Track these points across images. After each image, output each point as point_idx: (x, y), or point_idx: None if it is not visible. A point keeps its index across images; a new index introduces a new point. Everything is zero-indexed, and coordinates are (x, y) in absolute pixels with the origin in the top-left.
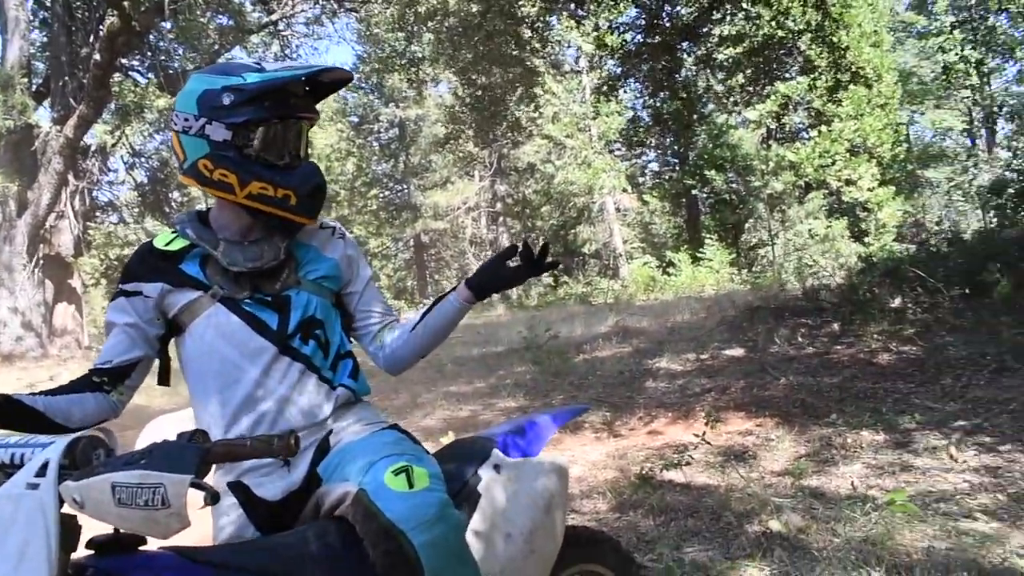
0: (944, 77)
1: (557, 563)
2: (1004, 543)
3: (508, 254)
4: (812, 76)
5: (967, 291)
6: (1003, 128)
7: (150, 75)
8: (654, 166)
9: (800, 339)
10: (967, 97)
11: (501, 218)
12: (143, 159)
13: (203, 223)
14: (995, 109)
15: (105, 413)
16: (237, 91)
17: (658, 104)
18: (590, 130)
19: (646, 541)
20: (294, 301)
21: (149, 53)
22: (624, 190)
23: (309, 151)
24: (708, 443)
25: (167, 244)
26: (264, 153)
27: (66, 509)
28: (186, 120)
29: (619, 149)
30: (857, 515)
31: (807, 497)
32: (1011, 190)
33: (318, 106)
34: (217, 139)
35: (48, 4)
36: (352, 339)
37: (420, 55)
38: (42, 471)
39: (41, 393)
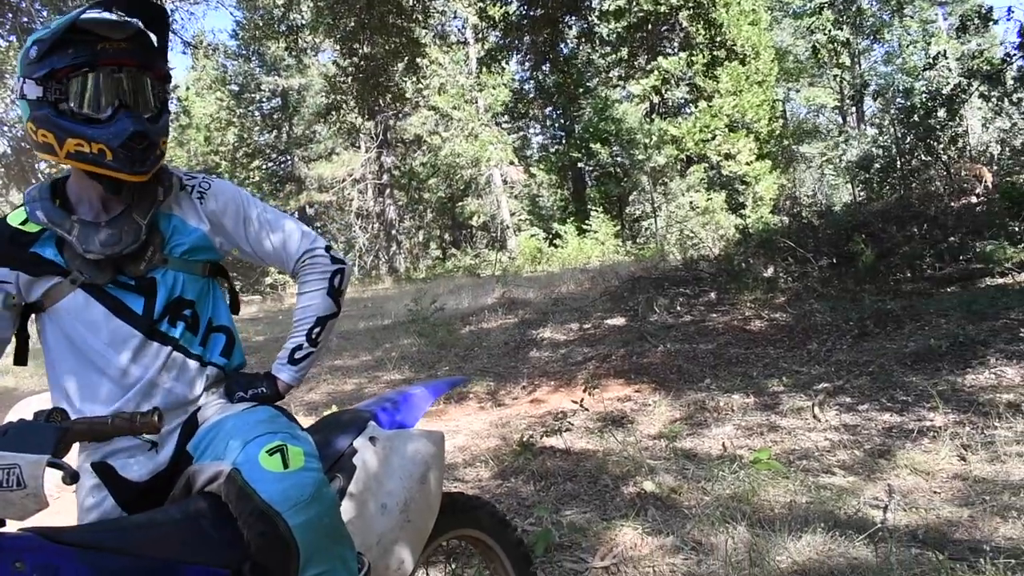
0: (814, 57)
1: (434, 529)
2: (859, 495)
3: None
4: (691, 52)
5: (834, 260)
6: (870, 106)
7: (12, 38)
8: (540, 139)
9: (679, 308)
10: (838, 76)
11: (388, 190)
12: (6, 127)
13: (56, 197)
14: (863, 88)
15: None
16: (40, 42)
17: (542, 77)
18: (477, 102)
19: (526, 506)
20: (160, 282)
21: (10, 15)
22: (511, 162)
23: (159, 108)
24: (587, 410)
25: (22, 223)
26: (80, 106)
27: None
28: (17, 83)
29: (506, 121)
30: (726, 474)
31: (680, 459)
32: (877, 165)
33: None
34: (32, 97)
35: None
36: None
37: (300, 22)
38: None
39: None
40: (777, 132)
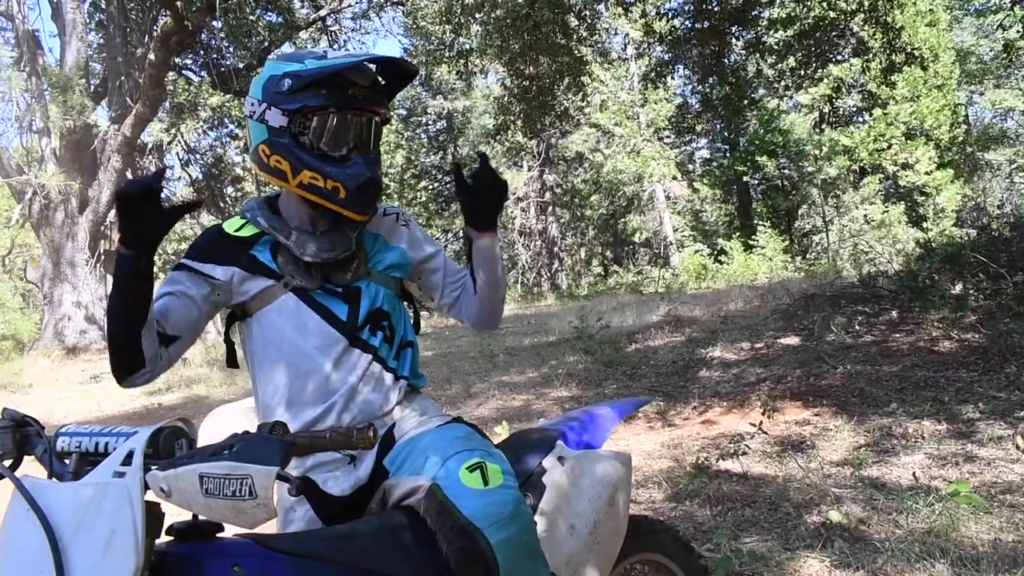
0: (1005, 55)
1: (619, 553)
2: None
3: (462, 185)
4: (865, 58)
5: None
6: None
7: (203, 73)
8: (704, 153)
9: (857, 327)
10: None
11: (550, 208)
12: (197, 155)
13: (272, 211)
14: None
15: (153, 361)
16: (295, 77)
17: (707, 90)
18: (638, 118)
19: (703, 531)
20: (364, 292)
21: (201, 52)
22: (674, 178)
23: (378, 150)
24: (764, 433)
25: (237, 230)
26: (319, 142)
27: (150, 496)
28: (252, 105)
29: (668, 136)
30: (920, 506)
31: (867, 488)
32: None
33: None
34: (274, 125)
35: (104, 6)
36: (444, 313)
37: (468, 47)
38: (127, 460)
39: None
40: (959, 139)
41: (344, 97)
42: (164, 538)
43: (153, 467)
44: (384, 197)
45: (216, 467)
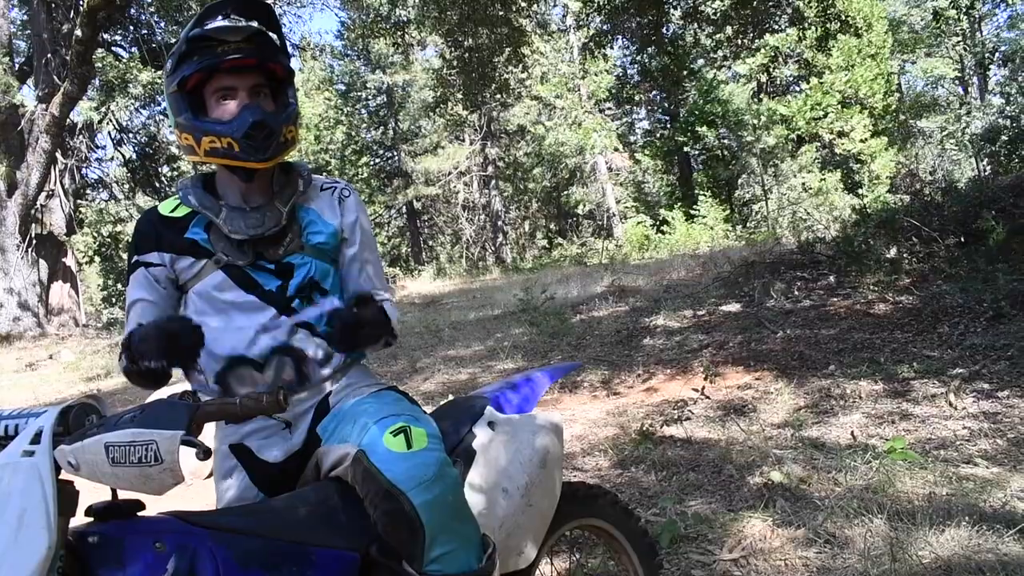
0: (935, 24)
1: (557, 518)
2: (1004, 487)
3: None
4: (801, 27)
5: (962, 239)
6: (995, 74)
7: (133, 50)
8: (645, 124)
9: (796, 292)
10: (958, 44)
11: (493, 181)
12: (130, 135)
13: (206, 188)
14: (987, 55)
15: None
16: (173, 54)
17: (646, 60)
18: (579, 90)
19: (649, 496)
20: (297, 266)
21: (131, 27)
22: (616, 149)
23: (287, 101)
24: (707, 398)
25: (172, 211)
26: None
27: (63, 475)
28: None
29: (609, 108)
30: (858, 464)
31: (807, 448)
32: (1004, 137)
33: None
34: (173, 103)
35: None
36: None
37: (405, 18)
38: (36, 439)
39: None
40: (893, 107)
41: (214, 56)
42: (83, 520)
43: (62, 443)
44: (324, 173)
45: (121, 435)
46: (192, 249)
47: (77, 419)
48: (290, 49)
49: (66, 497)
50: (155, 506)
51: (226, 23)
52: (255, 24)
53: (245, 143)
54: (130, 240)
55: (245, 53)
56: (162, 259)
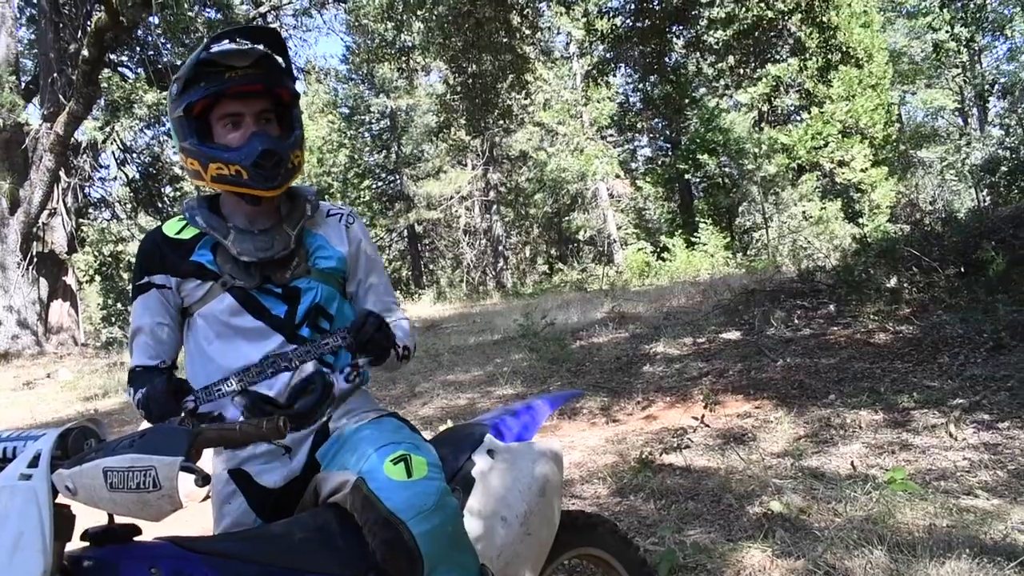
0: (935, 56)
1: (555, 547)
2: (1005, 519)
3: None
4: (802, 57)
5: (962, 269)
6: (995, 106)
7: (139, 70)
8: (647, 151)
9: (796, 321)
10: (958, 76)
11: (495, 206)
12: (134, 155)
13: (212, 210)
14: (986, 87)
15: None
16: (179, 79)
17: (648, 88)
18: (581, 116)
19: (647, 525)
20: (304, 291)
21: (137, 48)
22: (617, 176)
23: (294, 126)
24: (707, 426)
25: (178, 233)
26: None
27: (60, 499)
28: (168, 116)
29: (611, 135)
30: (858, 494)
31: (807, 478)
32: (1004, 168)
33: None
34: (178, 128)
35: (35, 0)
36: None
37: (410, 44)
38: (34, 462)
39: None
40: (893, 137)
41: (221, 82)
42: (79, 544)
43: (60, 467)
44: (327, 196)
45: (120, 460)
46: (198, 272)
47: (76, 443)
48: (295, 73)
49: (63, 521)
50: (151, 530)
51: (233, 47)
52: (261, 48)
53: (254, 171)
54: (135, 261)
55: (252, 79)
56: (168, 281)
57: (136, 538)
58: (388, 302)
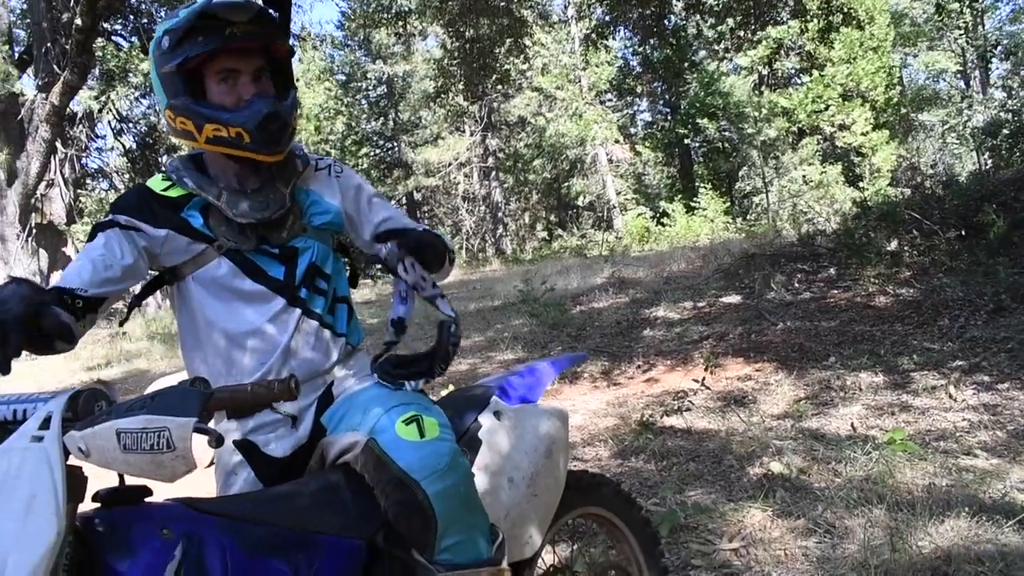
0: (937, 17)
1: (561, 507)
2: (1004, 478)
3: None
4: (803, 19)
5: (963, 232)
6: (997, 68)
7: (133, 39)
8: (646, 116)
9: (797, 285)
10: (960, 37)
11: (493, 173)
12: (130, 124)
13: (198, 169)
14: (989, 49)
15: (73, 338)
16: (172, 31)
17: (648, 52)
18: (580, 81)
19: (649, 486)
20: (301, 251)
21: (131, 16)
22: (616, 141)
23: (290, 85)
24: (707, 389)
25: (165, 190)
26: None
27: (72, 461)
28: (151, 73)
29: (610, 100)
30: (858, 455)
31: (807, 439)
32: (1006, 131)
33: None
34: (168, 84)
35: None
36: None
37: (406, 8)
38: (45, 424)
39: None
40: (894, 100)
41: (221, 38)
42: (91, 505)
43: (71, 429)
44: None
45: (133, 422)
46: (191, 232)
47: (86, 405)
48: (292, 39)
49: (75, 483)
50: (161, 492)
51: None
52: (258, 3)
53: (259, 135)
54: (109, 209)
55: (253, 35)
56: (159, 234)
57: (147, 499)
58: (411, 224)
